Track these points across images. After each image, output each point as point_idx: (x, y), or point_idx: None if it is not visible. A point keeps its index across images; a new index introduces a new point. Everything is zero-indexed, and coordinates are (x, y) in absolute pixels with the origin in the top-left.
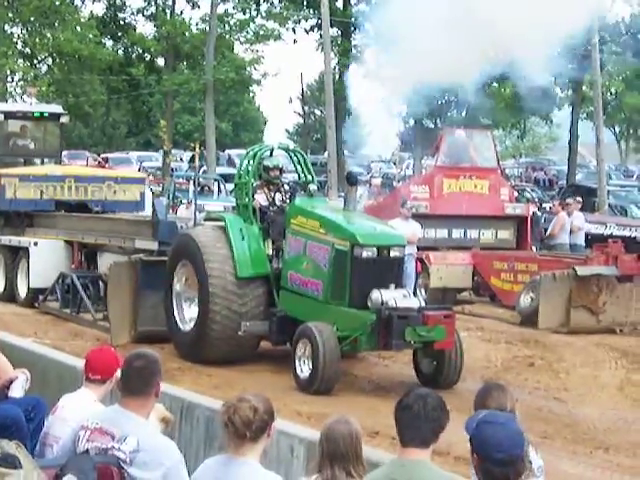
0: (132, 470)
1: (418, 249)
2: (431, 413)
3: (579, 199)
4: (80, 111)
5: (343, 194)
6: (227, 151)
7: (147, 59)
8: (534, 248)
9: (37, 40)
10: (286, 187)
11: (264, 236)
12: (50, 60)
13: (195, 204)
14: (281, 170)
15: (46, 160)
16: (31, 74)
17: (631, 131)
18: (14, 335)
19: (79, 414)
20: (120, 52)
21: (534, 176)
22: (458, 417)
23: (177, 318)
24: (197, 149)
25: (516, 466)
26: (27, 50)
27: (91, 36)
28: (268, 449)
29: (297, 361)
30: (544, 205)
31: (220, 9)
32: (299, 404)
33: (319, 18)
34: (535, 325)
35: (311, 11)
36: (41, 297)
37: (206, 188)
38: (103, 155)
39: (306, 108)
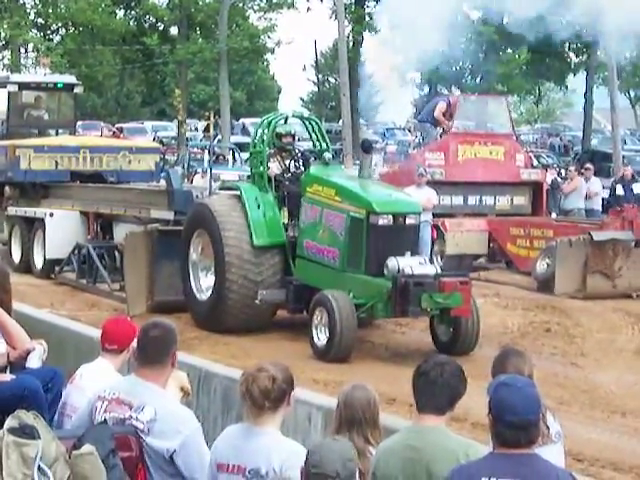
0: (150, 439)
1: (434, 216)
2: (448, 380)
3: (588, 165)
4: (93, 82)
5: (358, 162)
6: (242, 120)
7: (160, 28)
8: (553, 214)
9: (50, 10)
10: (299, 154)
11: (279, 204)
12: (63, 30)
13: (210, 173)
14: (294, 137)
15: (60, 131)
16: (44, 45)
17: None
18: (31, 306)
19: (97, 384)
20: (133, 22)
21: (549, 142)
22: (475, 384)
23: (194, 287)
24: (211, 118)
25: (528, 431)
26: (40, 20)
27: (103, 6)
28: (286, 417)
29: (314, 329)
30: (561, 171)
31: None
32: (316, 372)
33: None
34: (551, 291)
35: None
36: (57, 268)
37: (221, 157)
38: (117, 125)
39: (320, 76)
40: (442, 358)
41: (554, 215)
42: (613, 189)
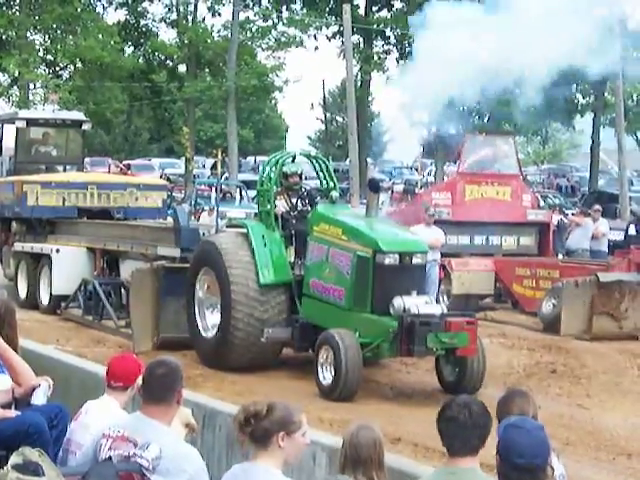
0: (155, 477)
1: (441, 255)
2: (477, 421)
3: (597, 207)
4: (101, 118)
5: (365, 201)
6: (250, 157)
7: (169, 66)
8: (560, 255)
9: (59, 47)
10: (305, 193)
11: (286, 243)
12: (72, 67)
13: (217, 211)
14: (300, 176)
15: (68, 167)
16: (52, 81)
17: None
18: (36, 342)
19: (102, 421)
20: (142, 59)
21: (556, 182)
22: None
23: (199, 325)
24: (219, 156)
25: (535, 474)
26: (49, 57)
27: (112, 43)
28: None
29: (319, 368)
30: (566, 212)
31: (242, 16)
32: (321, 411)
33: (341, 25)
34: (557, 331)
35: (333, 18)
36: (63, 304)
37: (228, 195)
38: (125, 162)
39: (328, 115)
40: (464, 399)
41: (560, 256)
42: (627, 229)
